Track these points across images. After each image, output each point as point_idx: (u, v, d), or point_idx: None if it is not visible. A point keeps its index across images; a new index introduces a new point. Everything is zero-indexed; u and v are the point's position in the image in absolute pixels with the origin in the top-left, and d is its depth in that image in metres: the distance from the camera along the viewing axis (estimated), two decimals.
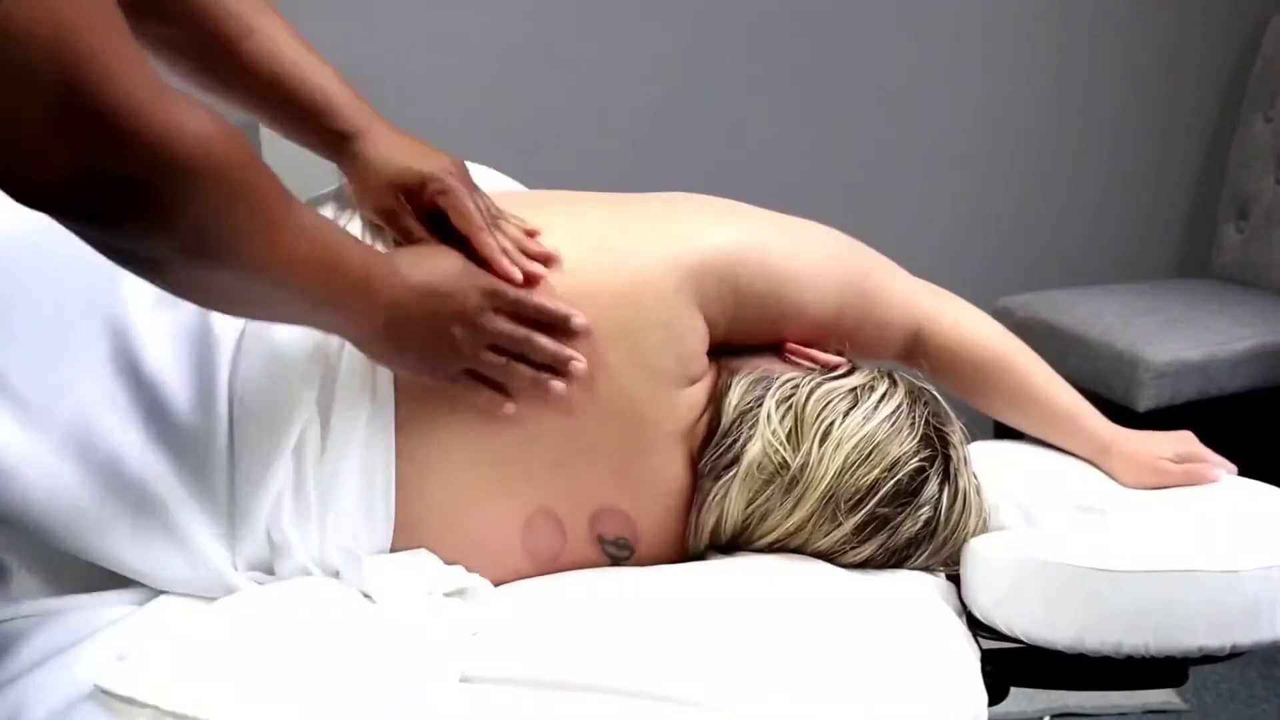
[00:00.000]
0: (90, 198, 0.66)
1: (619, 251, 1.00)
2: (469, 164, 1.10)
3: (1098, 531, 1.02)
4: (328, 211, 1.01)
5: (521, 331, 0.93)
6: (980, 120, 2.68)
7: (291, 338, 0.92)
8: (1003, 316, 2.52)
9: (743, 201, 1.10)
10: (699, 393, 1.01)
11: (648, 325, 0.97)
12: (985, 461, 1.11)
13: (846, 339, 1.07)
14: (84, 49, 0.63)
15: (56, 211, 0.68)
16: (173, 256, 0.72)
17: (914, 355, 1.11)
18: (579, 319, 0.94)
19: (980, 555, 0.98)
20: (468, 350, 0.91)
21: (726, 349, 1.05)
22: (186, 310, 0.91)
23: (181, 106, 0.68)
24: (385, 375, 0.93)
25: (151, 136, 0.66)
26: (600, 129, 2.47)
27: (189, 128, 0.68)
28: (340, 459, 0.91)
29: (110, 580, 0.88)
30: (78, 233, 0.70)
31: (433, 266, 0.90)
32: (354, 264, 0.83)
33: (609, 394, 0.96)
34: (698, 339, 1.01)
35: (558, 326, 0.94)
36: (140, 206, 0.68)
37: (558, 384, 0.94)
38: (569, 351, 0.94)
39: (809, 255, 1.06)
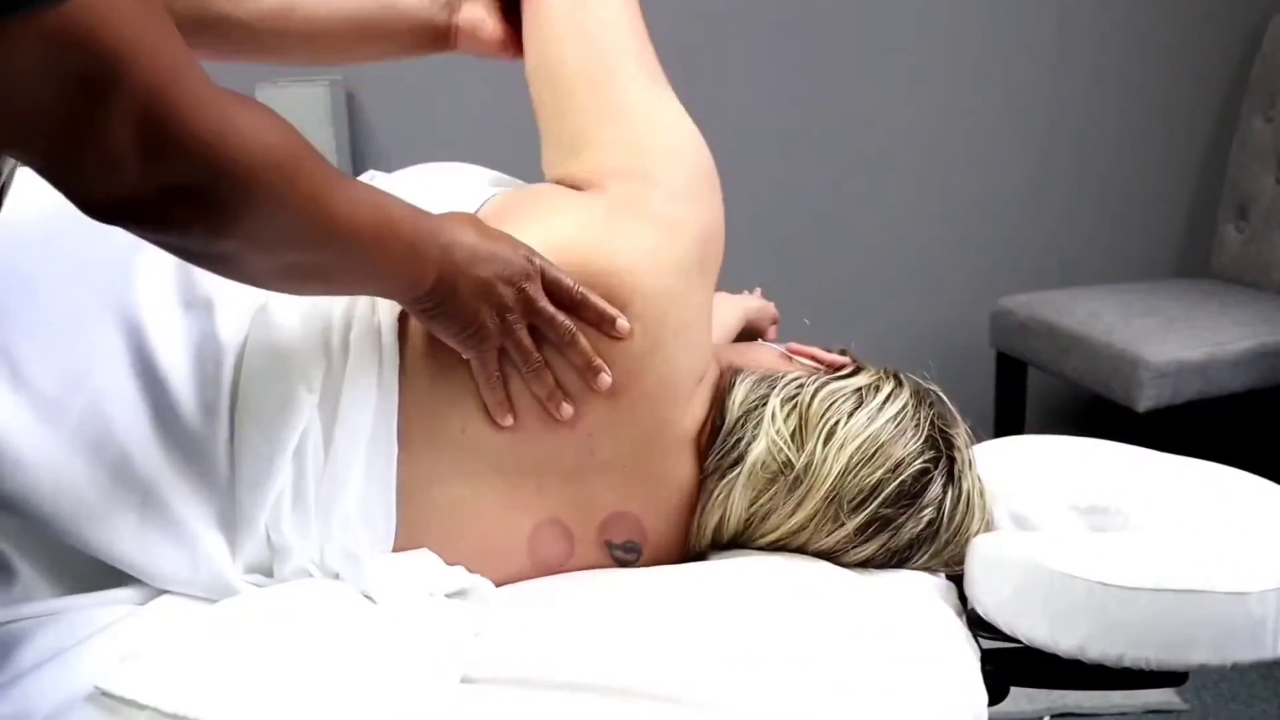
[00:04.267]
0: (158, 208, 0.69)
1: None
2: (478, 168, 1.10)
3: (1103, 536, 1.02)
4: None
5: (569, 324, 0.91)
6: (980, 120, 2.68)
7: (295, 341, 0.92)
8: (1003, 316, 2.52)
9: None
10: (705, 391, 1.01)
11: (670, 334, 0.95)
12: (980, 462, 1.11)
13: None
14: (144, 57, 0.65)
15: (126, 222, 0.71)
16: (240, 250, 0.76)
17: None
18: (623, 323, 0.92)
19: (986, 555, 0.98)
20: (511, 319, 0.90)
21: (729, 349, 1.05)
22: (198, 310, 0.91)
23: (235, 108, 0.70)
24: (390, 382, 0.92)
25: (210, 143, 0.68)
26: None
27: (244, 129, 0.70)
28: (343, 464, 0.91)
29: (113, 578, 0.88)
30: (147, 239, 0.73)
31: (483, 229, 0.90)
32: (405, 226, 0.84)
33: (628, 410, 0.95)
34: (707, 333, 1.00)
35: (598, 327, 0.92)
36: (206, 212, 0.71)
37: (568, 408, 0.93)
38: (600, 362, 0.92)
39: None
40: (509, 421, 0.93)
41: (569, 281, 0.91)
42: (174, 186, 0.68)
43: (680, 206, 0.97)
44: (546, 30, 1.03)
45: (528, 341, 0.91)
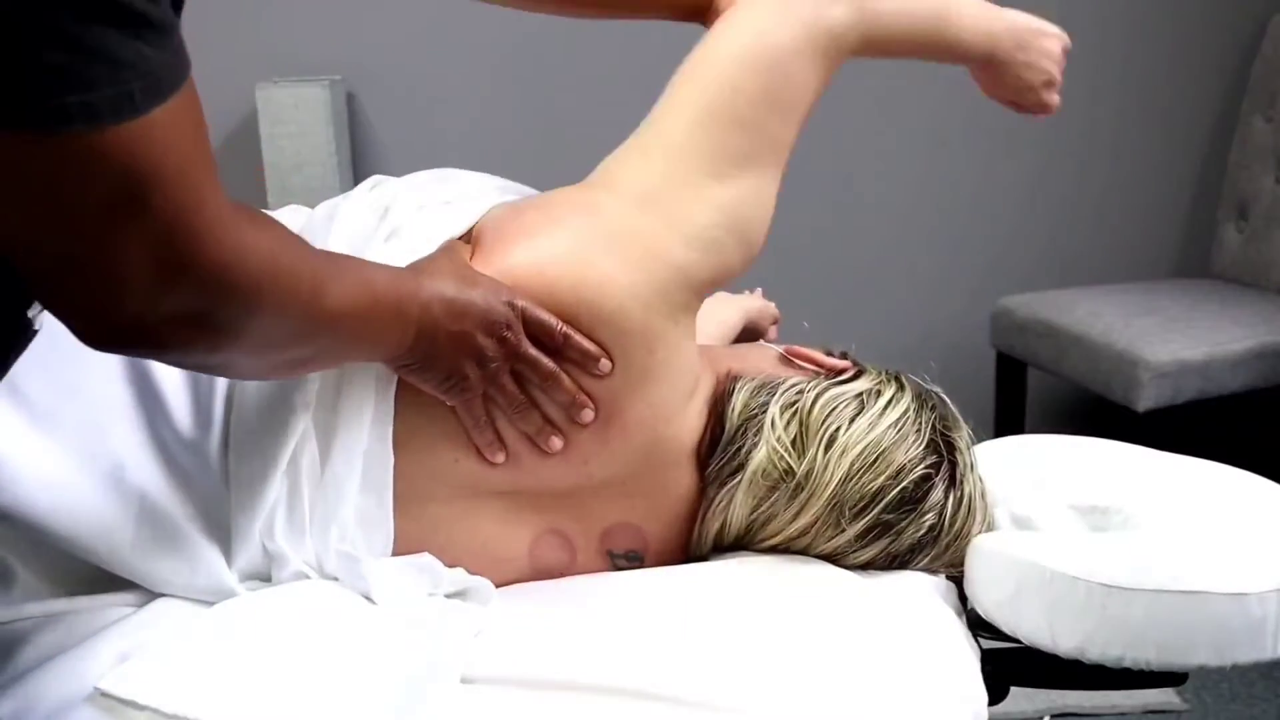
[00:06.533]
0: (161, 333, 0.67)
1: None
2: (485, 175, 1.10)
3: (1104, 536, 1.02)
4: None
5: (551, 366, 0.90)
6: (980, 120, 2.67)
7: None
8: (1003, 316, 2.52)
9: None
10: (699, 403, 1.00)
11: (657, 365, 0.94)
12: (980, 463, 1.11)
13: None
14: (173, 184, 0.62)
15: (125, 348, 0.70)
16: (236, 359, 0.76)
17: None
18: (605, 363, 0.91)
19: (987, 556, 0.98)
20: (493, 366, 0.88)
21: (728, 353, 1.05)
22: None
23: (249, 231, 0.69)
24: (386, 397, 0.91)
25: (224, 268, 0.67)
26: (598, 130, 2.47)
27: (257, 249, 0.69)
28: (339, 477, 0.90)
29: (112, 580, 0.88)
30: (140, 357, 0.73)
31: (464, 277, 0.89)
32: (388, 297, 0.83)
33: (619, 435, 0.94)
34: (691, 355, 0.98)
35: (581, 365, 0.91)
36: (210, 333, 0.70)
37: (557, 441, 0.92)
38: (584, 398, 0.91)
39: None
40: (501, 459, 0.92)
41: (552, 322, 0.90)
42: (182, 313, 0.67)
43: (692, 252, 0.95)
44: (734, 44, 0.99)
45: (511, 386, 0.90)
